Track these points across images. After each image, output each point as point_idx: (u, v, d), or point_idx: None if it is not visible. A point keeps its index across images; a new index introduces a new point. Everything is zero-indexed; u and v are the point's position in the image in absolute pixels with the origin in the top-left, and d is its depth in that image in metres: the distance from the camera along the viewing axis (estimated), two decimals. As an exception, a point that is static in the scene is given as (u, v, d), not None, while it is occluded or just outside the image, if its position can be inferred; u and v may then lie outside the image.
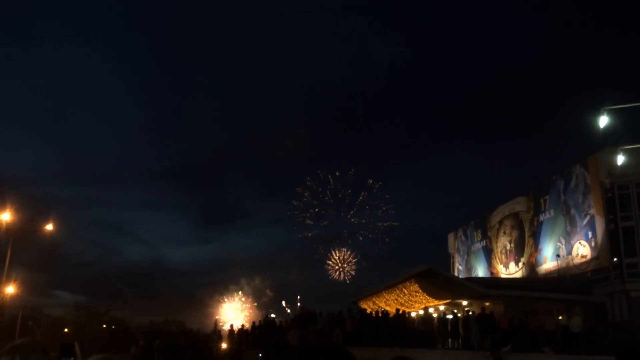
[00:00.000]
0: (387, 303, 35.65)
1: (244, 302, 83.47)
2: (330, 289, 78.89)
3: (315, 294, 79.79)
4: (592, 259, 29.40)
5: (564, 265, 31.76)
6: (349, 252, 71.86)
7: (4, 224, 31.42)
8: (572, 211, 31.57)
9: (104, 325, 72.62)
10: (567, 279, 30.13)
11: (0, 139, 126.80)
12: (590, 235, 29.82)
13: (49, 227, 35.64)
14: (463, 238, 47.58)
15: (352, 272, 70.29)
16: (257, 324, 34.70)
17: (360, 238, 71.80)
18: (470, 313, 26.11)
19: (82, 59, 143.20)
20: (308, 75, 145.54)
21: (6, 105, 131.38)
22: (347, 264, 70.00)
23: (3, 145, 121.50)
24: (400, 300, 33.91)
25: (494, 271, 40.98)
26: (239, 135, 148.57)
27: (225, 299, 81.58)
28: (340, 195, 70.77)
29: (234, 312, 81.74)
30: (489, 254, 42.26)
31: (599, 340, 21.21)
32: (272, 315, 43.19)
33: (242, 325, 35.32)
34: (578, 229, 30.95)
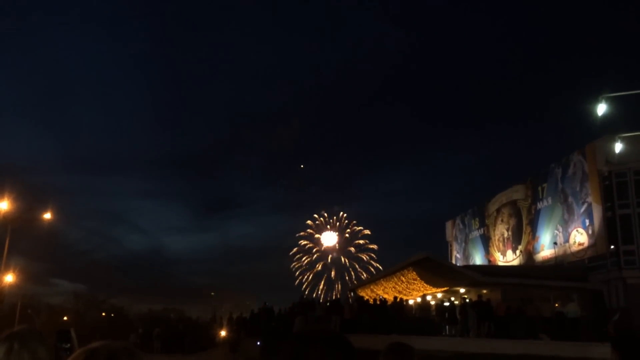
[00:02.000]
0: (385, 291, 35.84)
1: (243, 290, 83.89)
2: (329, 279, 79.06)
3: (312, 282, 79.88)
4: (589, 247, 29.49)
5: (561, 252, 31.86)
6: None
7: (2, 213, 31.36)
8: (570, 199, 31.61)
9: (103, 314, 72.77)
10: (564, 266, 30.26)
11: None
12: (587, 223, 29.89)
13: (48, 215, 35.62)
14: (461, 226, 47.68)
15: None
16: (255, 312, 34.85)
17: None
18: (468, 300, 26.25)
19: (82, 47, 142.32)
20: (309, 65, 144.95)
21: (5, 93, 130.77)
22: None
23: (1, 134, 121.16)
24: (398, 288, 34.08)
25: (492, 259, 41.12)
26: (238, 124, 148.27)
27: (225, 287, 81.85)
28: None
29: (233, 300, 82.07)
30: (486, 241, 42.38)
31: (596, 327, 21.35)
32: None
33: (241, 313, 35.43)
34: (575, 217, 31.02)
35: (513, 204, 38.68)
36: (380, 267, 70.26)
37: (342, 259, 73.19)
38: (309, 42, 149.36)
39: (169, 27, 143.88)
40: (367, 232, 73.49)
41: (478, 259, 43.19)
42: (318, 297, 65.49)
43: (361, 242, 73.01)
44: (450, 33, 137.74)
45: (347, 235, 73.17)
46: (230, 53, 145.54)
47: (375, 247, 72.89)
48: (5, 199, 31.19)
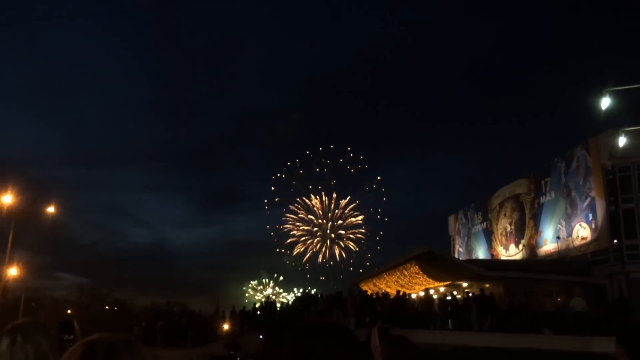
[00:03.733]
0: (387, 285, 35.87)
1: (246, 284, 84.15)
2: (329, 271, 79.03)
3: (315, 275, 79.80)
4: (592, 241, 29.47)
5: (564, 247, 31.84)
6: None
7: (6, 207, 31.42)
8: (573, 193, 31.56)
9: (107, 307, 73.09)
10: (567, 260, 30.24)
11: (2, 121, 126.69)
12: (590, 217, 29.85)
13: (51, 209, 35.65)
14: (463, 220, 47.65)
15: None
16: (258, 305, 34.89)
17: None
18: (470, 294, 26.25)
19: (84, 41, 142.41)
20: (310, 58, 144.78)
21: (8, 87, 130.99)
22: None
23: (5, 127, 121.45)
24: (401, 282, 34.11)
25: (494, 253, 41.11)
26: (241, 117, 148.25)
27: (228, 281, 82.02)
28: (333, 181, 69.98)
29: (236, 294, 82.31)
30: (489, 236, 42.36)
31: (599, 322, 21.31)
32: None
33: (244, 307, 35.50)
34: (578, 211, 30.98)
35: (516, 198, 38.64)
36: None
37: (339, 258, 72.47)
38: (309, 36, 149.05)
39: (170, 22, 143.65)
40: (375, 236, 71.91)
41: (481, 253, 43.18)
42: (321, 291, 65.03)
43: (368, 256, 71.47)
44: (454, 28, 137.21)
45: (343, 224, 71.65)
46: (231, 47, 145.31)
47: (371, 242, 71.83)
48: (9, 192, 31.24)
